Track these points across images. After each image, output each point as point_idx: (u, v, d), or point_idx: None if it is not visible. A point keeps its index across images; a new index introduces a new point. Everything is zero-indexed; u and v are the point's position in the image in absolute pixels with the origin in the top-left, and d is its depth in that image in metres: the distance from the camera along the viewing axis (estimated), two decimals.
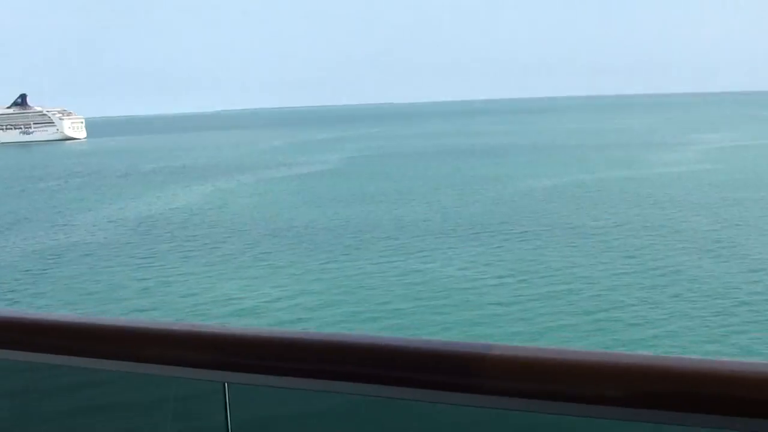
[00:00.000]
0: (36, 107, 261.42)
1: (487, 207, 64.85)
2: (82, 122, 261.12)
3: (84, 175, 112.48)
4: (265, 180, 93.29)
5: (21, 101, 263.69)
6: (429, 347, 2.28)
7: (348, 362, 2.32)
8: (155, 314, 36.10)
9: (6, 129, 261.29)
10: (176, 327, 2.62)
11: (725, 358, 2.00)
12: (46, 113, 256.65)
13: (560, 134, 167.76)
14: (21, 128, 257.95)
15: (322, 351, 2.38)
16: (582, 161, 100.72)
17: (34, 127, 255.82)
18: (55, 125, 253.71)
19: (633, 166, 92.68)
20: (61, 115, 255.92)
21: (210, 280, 42.78)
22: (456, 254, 46.85)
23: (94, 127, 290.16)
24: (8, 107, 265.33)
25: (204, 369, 2.50)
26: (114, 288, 41.50)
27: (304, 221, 61.12)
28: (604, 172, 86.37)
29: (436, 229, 55.60)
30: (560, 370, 2.11)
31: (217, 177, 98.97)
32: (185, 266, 46.23)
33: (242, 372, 2.46)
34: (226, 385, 2.58)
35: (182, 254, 49.73)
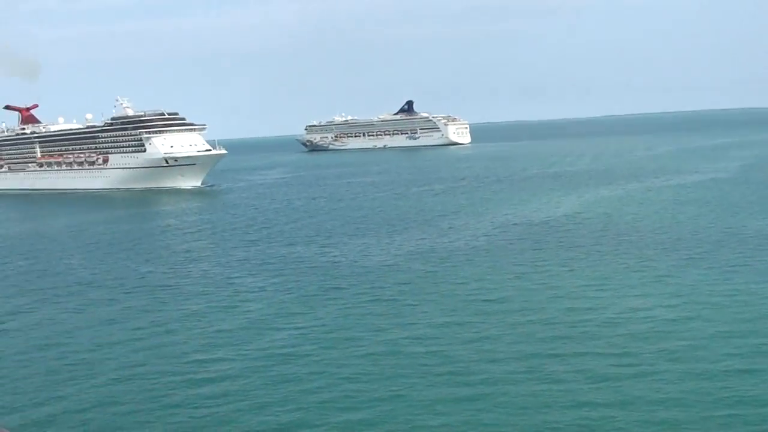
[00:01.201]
0: (422, 113, 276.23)
1: None
2: (466, 128, 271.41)
3: (469, 180, 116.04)
4: (655, 188, 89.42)
5: (408, 108, 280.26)
6: None
7: None
8: (541, 327, 35.38)
9: (393, 134, 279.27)
10: None
11: None
12: (432, 119, 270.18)
13: None
14: (408, 133, 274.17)
15: None
16: None
17: (420, 132, 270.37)
18: (440, 130, 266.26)
19: None
20: (446, 120, 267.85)
21: (596, 290, 41.20)
22: None
23: (477, 132, 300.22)
24: (396, 113, 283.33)
25: None
26: (501, 295, 41.42)
27: (695, 231, 57.30)
28: None
29: None
30: None
31: (601, 184, 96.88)
32: (572, 275, 45.10)
33: None
34: None
35: (566, 262, 48.67)
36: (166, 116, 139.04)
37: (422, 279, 46.44)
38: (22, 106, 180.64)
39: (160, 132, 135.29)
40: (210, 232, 73.14)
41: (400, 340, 34.22)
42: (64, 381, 31.05)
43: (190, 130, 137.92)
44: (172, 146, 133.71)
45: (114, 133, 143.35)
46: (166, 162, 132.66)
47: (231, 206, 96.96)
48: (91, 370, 32.08)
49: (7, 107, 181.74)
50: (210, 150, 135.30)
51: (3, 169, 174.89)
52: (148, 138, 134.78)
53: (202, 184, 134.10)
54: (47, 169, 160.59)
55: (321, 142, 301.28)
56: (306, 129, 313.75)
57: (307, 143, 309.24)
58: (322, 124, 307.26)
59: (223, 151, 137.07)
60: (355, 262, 52.90)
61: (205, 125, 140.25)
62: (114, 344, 35.75)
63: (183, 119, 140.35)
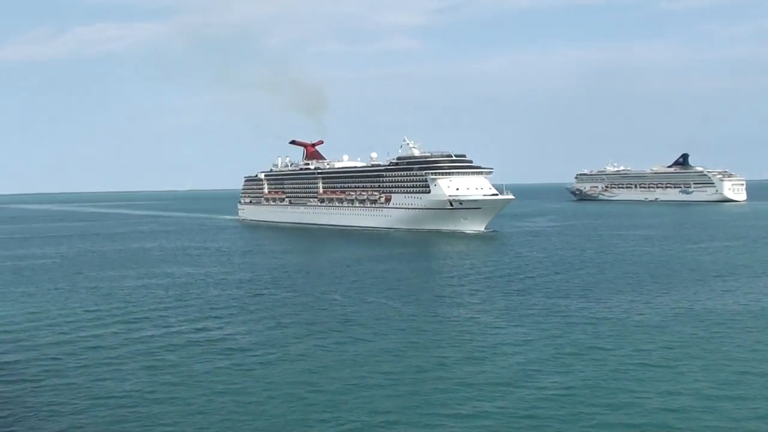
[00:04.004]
0: (696, 167, 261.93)
1: None
2: (742, 184, 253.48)
3: (747, 240, 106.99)
4: None
5: (682, 161, 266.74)
6: None
7: None
8: None
9: (666, 187, 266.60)
10: None
11: None
12: (707, 173, 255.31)
13: None
14: (681, 187, 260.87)
15: None
16: None
17: (694, 187, 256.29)
18: (714, 186, 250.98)
19: None
20: (721, 176, 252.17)
21: None
22: None
23: (754, 189, 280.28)
24: (669, 166, 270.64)
25: None
26: None
27: None
28: None
29: None
30: None
31: None
32: None
33: None
34: None
35: None
36: (453, 158, 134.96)
37: (691, 344, 42.08)
38: (308, 141, 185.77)
39: (446, 174, 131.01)
40: (475, 277, 71.47)
41: (660, 411, 30.70)
42: (306, 424, 30.15)
43: (477, 173, 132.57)
44: (457, 189, 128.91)
45: (399, 172, 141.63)
46: (451, 204, 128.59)
47: (497, 253, 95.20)
48: (337, 415, 30.91)
49: (293, 142, 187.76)
50: (497, 194, 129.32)
51: (284, 203, 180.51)
52: (434, 179, 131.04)
53: (485, 229, 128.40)
54: (328, 205, 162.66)
55: (590, 192, 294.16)
56: (576, 177, 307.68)
57: (577, 192, 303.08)
58: (593, 173, 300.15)
59: (511, 197, 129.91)
60: (620, 319, 49.17)
61: (492, 168, 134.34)
62: (364, 387, 34.52)
63: (470, 162, 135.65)
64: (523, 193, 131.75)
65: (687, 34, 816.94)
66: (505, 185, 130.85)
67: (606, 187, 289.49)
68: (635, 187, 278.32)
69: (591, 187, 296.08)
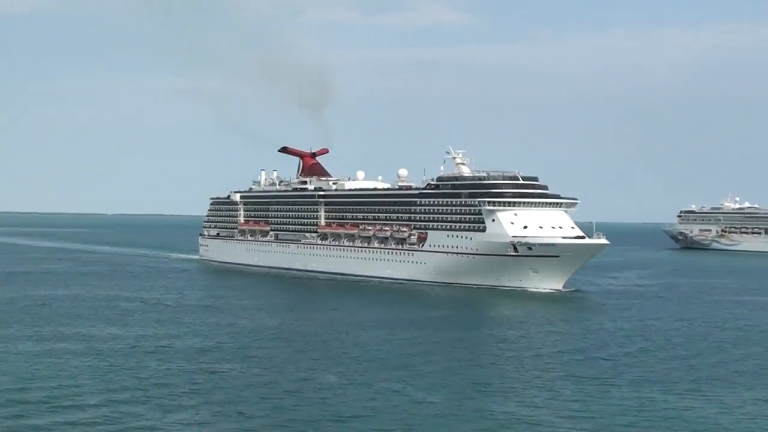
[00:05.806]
0: None
1: None
2: None
3: None
4: None
5: None
6: None
7: None
8: None
9: None
10: None
11: None
12: None
13: None
14: None
15: None
16: None
17: None
18: None
19: None
20: None
21: None
22: None
23: None
24: None
25: None
26: None
27: None
28: None
29: None
30: None
31: None
32: None
33: None
34: None
35: None
36: (520, 182, 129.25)
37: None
38: (306, 150, 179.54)
39: (510, 204, 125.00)
40: (536, 356, 70.24)
41: None
42: None
43: (555, 205, 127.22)
44: (525, 226, 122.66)
45: (440, 199, 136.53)
46: (515, 249, 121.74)
47: (567, 321, 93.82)
48: None
49: (284, 150, 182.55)
50: (583, 237, 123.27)
51: (268, 237, 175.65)
52: (492, 211, 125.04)
53: (563, 288, 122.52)
54: (333, 243, 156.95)
55: (700, 237, 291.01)
56: (680, 216, 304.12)
57: (680, 236, 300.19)
58: (703, 210, 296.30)
59: (604, 241, 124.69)
60: (746, 428, 47.43)
61: (576, 199, 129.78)
62: None
63: (544, 188, 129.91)
64: (606, 234, 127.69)
65: None
66: (596, 224, 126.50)
67: (723, 230, 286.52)
68: (765, 232, 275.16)
69: (701, 230, 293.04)
